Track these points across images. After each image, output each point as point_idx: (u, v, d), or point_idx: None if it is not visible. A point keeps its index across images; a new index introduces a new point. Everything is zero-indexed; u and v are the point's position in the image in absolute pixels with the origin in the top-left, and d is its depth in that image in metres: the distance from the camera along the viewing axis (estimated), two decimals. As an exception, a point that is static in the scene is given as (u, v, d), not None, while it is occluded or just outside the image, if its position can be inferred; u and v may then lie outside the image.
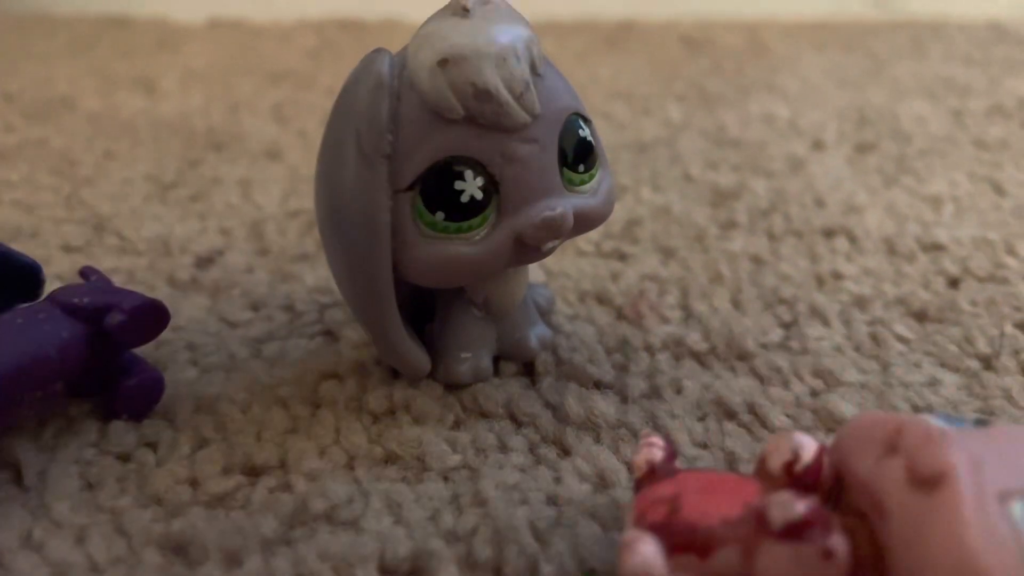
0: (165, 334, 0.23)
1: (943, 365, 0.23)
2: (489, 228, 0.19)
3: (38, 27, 0.60)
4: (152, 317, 0.20)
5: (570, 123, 0.20)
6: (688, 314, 0.25)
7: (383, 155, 0.18)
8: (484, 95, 0.18)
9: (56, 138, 0.40)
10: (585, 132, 0.20)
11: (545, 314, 0.24)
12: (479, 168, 0.18)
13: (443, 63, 0.18)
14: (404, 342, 0.20)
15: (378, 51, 0.19)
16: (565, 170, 0.19)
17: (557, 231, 0.19)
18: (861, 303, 0.25)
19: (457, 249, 0.19)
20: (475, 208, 0.19)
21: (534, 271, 0.28)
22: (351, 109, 0.19)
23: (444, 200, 0.19)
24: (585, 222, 0.20)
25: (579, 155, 0.20)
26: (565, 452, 0.20)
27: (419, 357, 0.21)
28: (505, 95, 0.18)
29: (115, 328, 0.20)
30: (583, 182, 0.20)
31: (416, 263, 0.19)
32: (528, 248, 0.19)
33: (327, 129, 0.19)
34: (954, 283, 0.27)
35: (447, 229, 0.19)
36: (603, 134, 0.39)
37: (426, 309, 0.22)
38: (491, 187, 0.19)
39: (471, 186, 0.18)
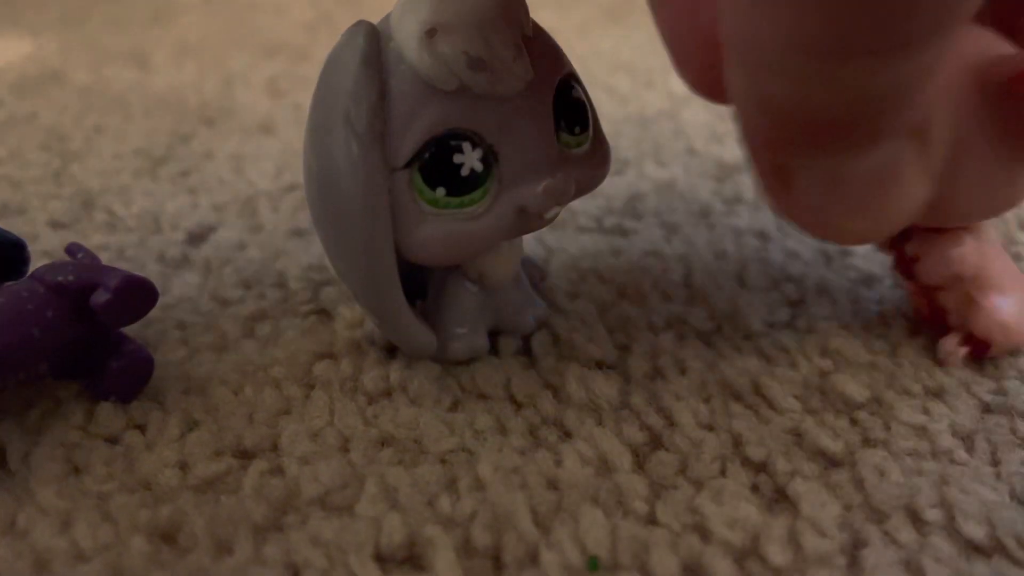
0: (155, 313, 0.22)
1: (954, 344, 0.22)
2: (491, 200, 0.18)
3: (28, -1, 0.59)
4: (139, 295, 0.20)
5: (563, 85, 0.19)
6: (692, 292, 0.24)
7: (377, 134, 0.17)
8: (478, 63, 0.17)
9: (45, 113, 0.39)
10: (578, 93, 0.19)
11: (536, 286, 0.24)
12: (477, 139, 0.18)
13: (431, 32, 0.17)
14: (411, 322, 0.20)
15: (360, 24, 0.18)
16: (561, 134, 0.19)
17: (560, 197, 0.18)
18: (869, 281, 0.25)
19: (461, 225, 0.18)
20: (476, 181, 0.18)
21: (531, 246, 0.27)
22: (338, 88, 0.18)
23: (444, 175, 0.18)
24: (586, 185, 0.19)
25: (573, 117, 0.19)
26: (566, 434, 0.19)
27: (426, 336, 0.20)
28: (499, 62, 0.17)
29: (101, 307, 0.19)
30: (579, 144, 0.19)
31: (419, 242, 0.18)
32: (531, 217, 0.19)
33: (313, 110, 0.19)
34: (965, 260, 0.26)
35: (449, 205, 0.18)
36: (605, 108, 0.38)
37: (416, 285, 0.22)
38: (490, 157, 0.18)
39: (470, 158, 0.18)
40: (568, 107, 0.19)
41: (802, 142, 0.14)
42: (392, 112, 0.18)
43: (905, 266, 0.21)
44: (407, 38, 0.17)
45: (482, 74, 0.17)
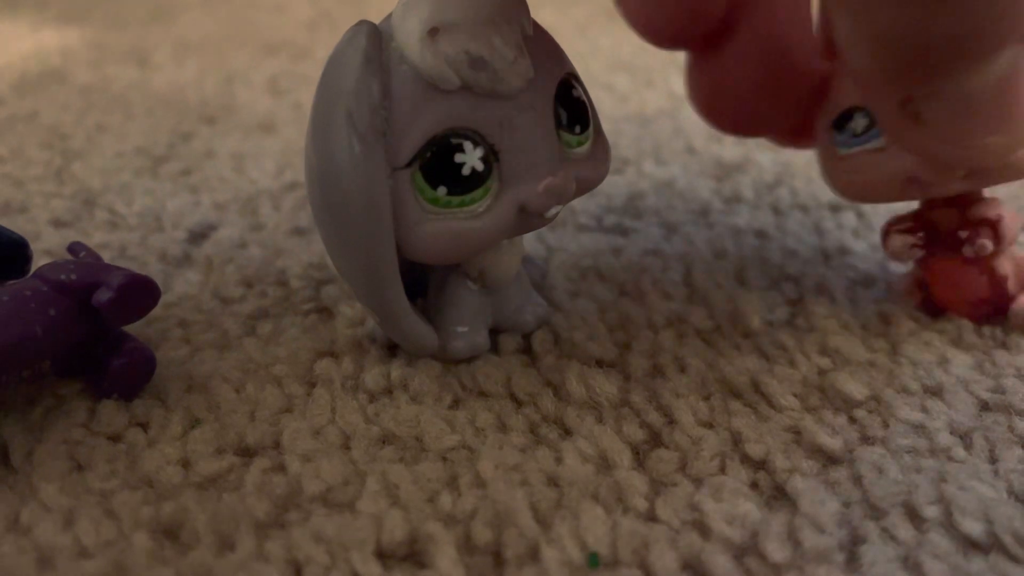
0: (156, 311, 0.22)
1: (953, 344, 0.22)
2: (491, 199, 0.18)
3: (29, -2, 0.59)
4: (142, 294, 0.20)
5: (563, 85, 0.19)
6: (692, 291, 0.25)
7: (379, 133, 0.18)
8: (479, 63, 0.17)
9: (47, 111, 0.39)
10: (578, 92, 0.19)
11: (538, 286, 0.24)
12: (478, 138, 0.18)
13: (433, 32, 0.17)
14: (412, 321, 0.20)
15: (361, 23, 0.18)
16: (561, 132, 0.19)
17: (560, 196, 0.18)
18: (868, 280, 0.25)
19: (462, 224, 0.18)
20: (477, 180, 0.18)
21: (531, 245, 0.27)
22: (339, 87, 0.18)
23: (445, 174, 0.18)
24: (586, 184, 0.20)
25: (574, 116, 0.19)
26: (566, 432, 0.19)
27: (427, 334, 0.20)
28: (500, 61, 0.17)
29: (103, 305, 0.19)
30: (580, 143, 0.19)
31: (421, 241, 0.18)
32: (531, 216, 0.19)
33: (315, 110, 0.19)
34: (964, 259, 0.26)
35: (450, 204, 0.18)
36: (605, 106, 0.38)
37: (417, 283, 0.22)
38: (491, 157, 0.18)
39: (471, 158, 0.18)
40: (569, 106, 0.19)
41: (927, 68, 0.14)
42: (393, 111, 0.18)
43: (993, 227, 0.21)
44: (408, 38, 0.17)
45: (483, 73, 0.17)
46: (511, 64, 0.18)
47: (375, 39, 0.18)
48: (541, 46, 0.19)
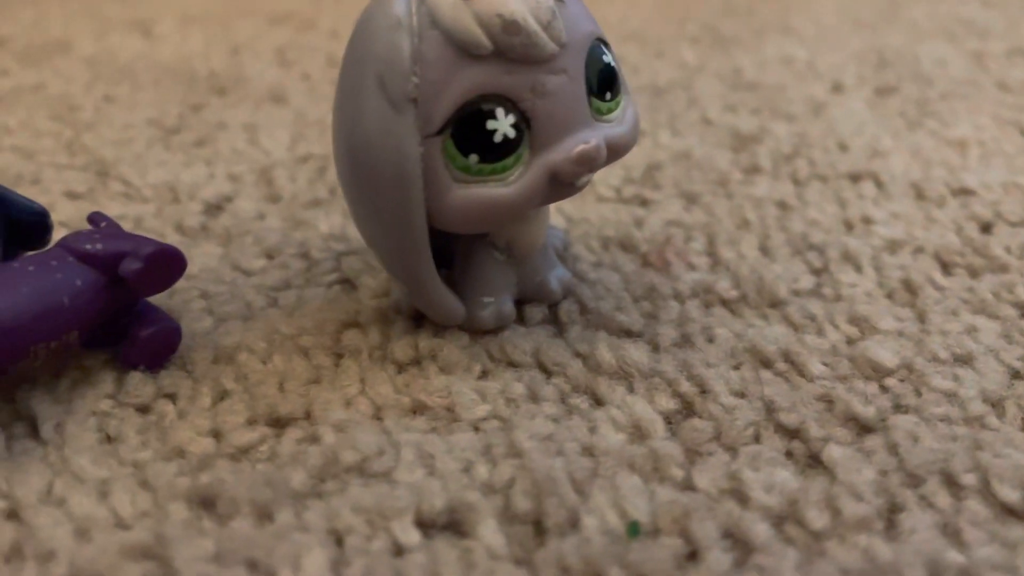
0: (178, 283, 0.22)
1: (980, 312, 0.22)
2: (523, 167, 0.18)
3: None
4: (169, 264, 0.20)
5: (594, 50, 0.19)
6: (715, 261, 0.24)
7: (409, 99, 0.17)
8: (512, 27, 0.17)
9: (53, 82, 0.38)
10: (609, 58, 0.19)
11: (560, 256, 0.24)
12: (510, 105, 0.18)
13: None
14: (441, 291, 0.20)
15: None
16: (592, 99, 0.19)
17: (592, 164, 0.18)
18: (893, 248, 0.25)
19: (493, 192, 0.18)
20: (508, 147, 0.18)
21: (551, 216, 0.27)
22: (369, 52, 0.17)
23: (477, 142, 0.18)
24: (616, 151, 0.19)
25: (605, 82, 0.19)
26: (598, 402, 0.19)
27: (455, 305, 0.20)
28: (533, 25, 0.17)
29: (131, 275, 0.19)
30: (610, 110, 0.19)
31: (451, 210, 0.18)
32: (562, 184, 0.18)
33: (342, 75, 0.18)
34: (986, 228, 0.26)
35: (481, 172, 0.18)
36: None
37: (444, 254, 0.22)
38: (523, 124, 0.18)
39: (503, 124, 0.18)
40: (600, 72, 0.19)
41: None
42: (424, 78, 0.17)
43: None
44: (441, 2, 0.17)
45: (516, 38, 0.17)
46: (545, 27, 0.17)
47: (406, 3, 0.17)
48: (572, 9, 0.18)
